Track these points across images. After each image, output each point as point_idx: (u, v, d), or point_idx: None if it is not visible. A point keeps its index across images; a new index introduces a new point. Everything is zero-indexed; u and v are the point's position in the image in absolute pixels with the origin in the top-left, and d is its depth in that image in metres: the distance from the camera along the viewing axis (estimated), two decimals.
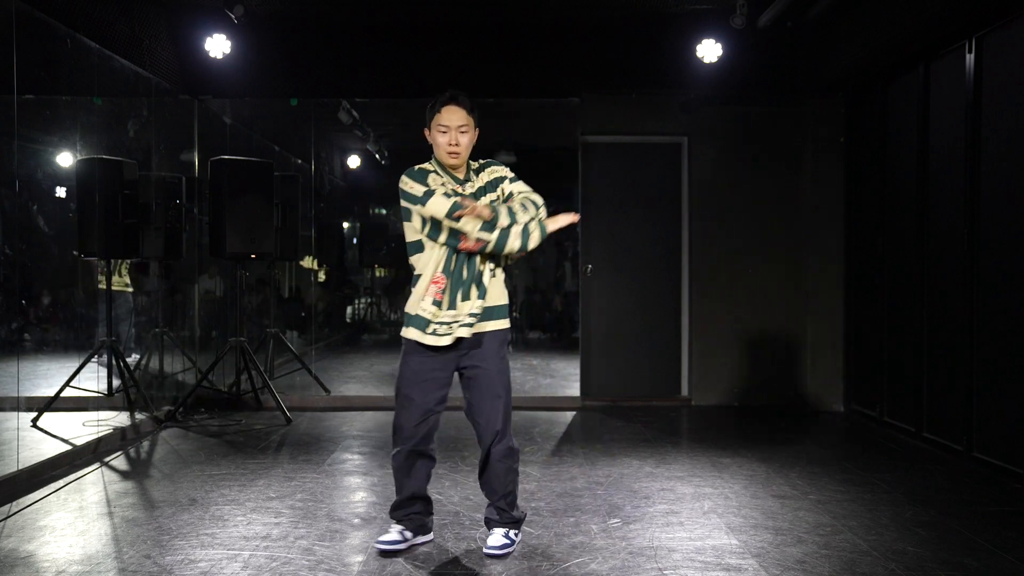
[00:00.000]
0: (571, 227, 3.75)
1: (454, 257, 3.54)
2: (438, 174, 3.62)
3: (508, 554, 3.69)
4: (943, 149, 5.84)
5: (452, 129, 3.56)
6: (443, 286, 3.53)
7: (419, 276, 3.60)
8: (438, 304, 3.53)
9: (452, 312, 3.54)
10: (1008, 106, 5.13)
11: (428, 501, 3.84)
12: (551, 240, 10.81)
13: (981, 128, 5.38)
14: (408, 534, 3.76)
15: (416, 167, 3.64)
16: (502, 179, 3.71)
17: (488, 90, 7.68)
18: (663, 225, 7.81)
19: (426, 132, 3.67)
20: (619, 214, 7.76)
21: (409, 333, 3.60)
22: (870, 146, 6.97)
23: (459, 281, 3.54)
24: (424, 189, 3.51)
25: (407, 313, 3.63)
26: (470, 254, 3.54)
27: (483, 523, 3.92)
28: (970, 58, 5.47)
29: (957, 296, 5.60)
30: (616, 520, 4.23)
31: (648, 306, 7.80)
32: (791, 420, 7.06)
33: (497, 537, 3.73)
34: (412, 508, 3.78)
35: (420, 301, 3.55)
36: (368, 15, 7.29)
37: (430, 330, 3.54)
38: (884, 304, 6.68)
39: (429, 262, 3.57)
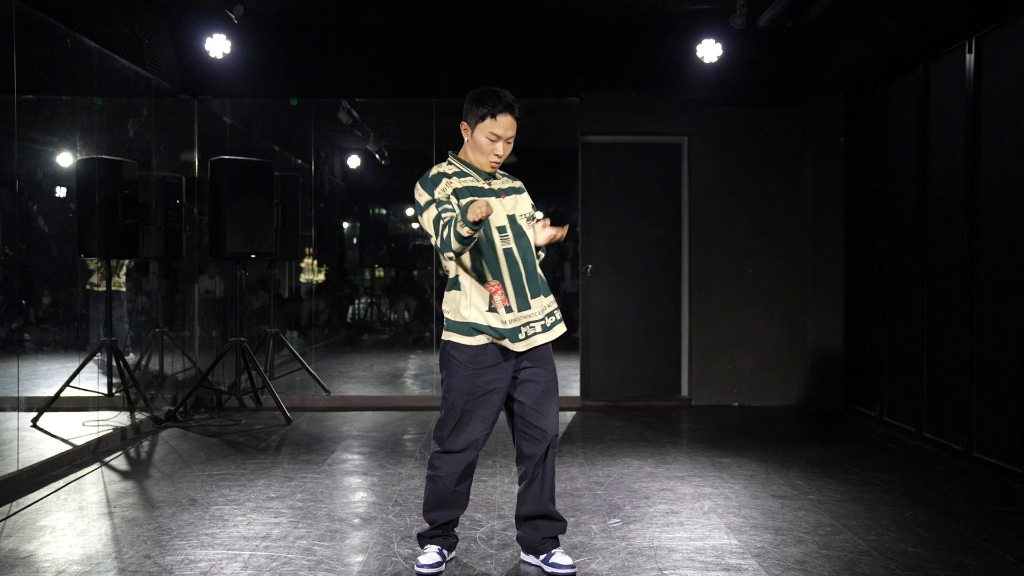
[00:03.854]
0: (571, 227, 3.64)
1: (501, 256, 3.38)
2: (459, 175, 3.43)
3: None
4: (943, 149, 5.84)
5: (502, 139, 3.37)
6: (501, 291, 3.36)
7: (454, 278, 3.43)
8: (508, 309, 3.36)
9: (526, 312, 3.40)
10: (1008, 106, 5.13)
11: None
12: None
13: (981, 128, 5.38)
14: (445, 552, 3.57)
15: (431, 173, 3.44)
16: (522, 191, 3.57)
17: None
18: (663, 225, 7.81)
19: (465, 126, 3.42)
20: (619, 214, 7.76)
21: (478, 339, 3.37)
22: (870, 146, 6.97)
23: (518, 279, 3.40)
24: (427, 199, 3.37)
25: (456, 321, 3.40)
26: (513, 249, 3.40)
27: (520, 541, 3.62)
28: (970, 58, 5.47)
29: (957, 296, 5.60)
30: (616, 520, 4.23)
31: (648, 306, 7.80)
32: (791, 420, 7.06)
33: (565, 556, 3.51)
34: (450, 526, 3.60)
35: (484, 310, 3.36)
36: (368, 15, 7.29)
37: (521, 335, 3.37)
38: (884, 304, 6.68)
39: (468, 267, 3.39)
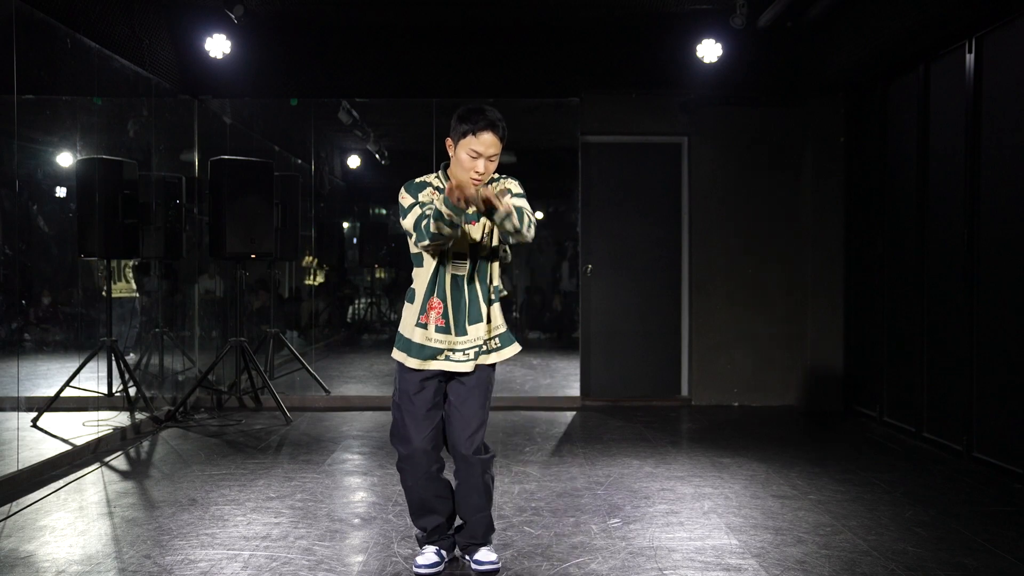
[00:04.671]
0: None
1: (447, 278, 3.40)
2: (438, 189, 3.41)
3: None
4: (943, 149, 5.84)
5: (483, 157, 3.34)
6: (441, 310, 3.40)
7: (412, 289, 3.47)
8: (442, 330, 3.39)
9: (463, 338, 3.41)
10: (1008, 106, 5.13)
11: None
12: (551, 240, 10.85)
13: (981, 128, 5.38)
14: (444, 553, 3.57)
15: (417, 180, 3.45)
16: (508, 192, 3.49)
17: (488, 90, 7.69)
18: (663, 225, 7.81)
19: (449, 142, 3.41)
20: (619, 214, 7.76)
21: (406, 360, 3.42)
22: (870, 146, 6.97)
23: (459, 304, 3.41)
24: (410, 202, 3.37)
25: (401, 334, 3.46)
26: (461, 276, 3.41)
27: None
28: (970, 58, 5.47)
29: (957, 296, 5.60)
30: (616, 520, 4.23)
31: (648, 306, 7.80)
32: (791, 420, 7.06)
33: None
34: (445, 529, 3.61)
35: (416, 326, 3.40)
36: (368, 15, 7.29)
37: (442, 356, 3.40)
38: (884, 304, 6.68)
39: (424, 278, 3.43)
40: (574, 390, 7.75)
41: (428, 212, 3.23)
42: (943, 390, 5.79)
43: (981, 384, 5.35)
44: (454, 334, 3.41)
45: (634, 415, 7.14)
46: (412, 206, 3.37)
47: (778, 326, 7.68)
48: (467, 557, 3.58)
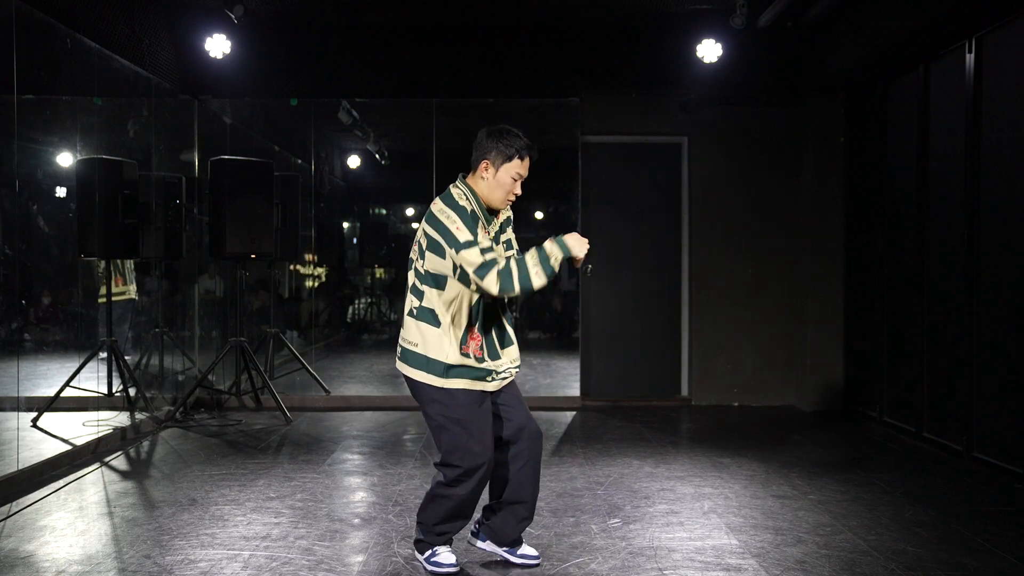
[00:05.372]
0: (571, 227, 3.68)
1: (481, 309, 3.45)
2: (481, 216, 3.43)
3: None
4: (943, 149, 5.84)
5: (521, 179, 3.46)
6: (480, 343, 3.45)
7: (429, 309, 3.41)
8: (480, 360, 3.44)
9: (498, 362, 3.49)
10: (1008, 106, 5.13)
11: None
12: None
13: (981, 128, 5.38)
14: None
15: (462, 204, 3.38)
16: (510, 221, 3.63)
17: (488, 90, 7.69)
18: (663, 225, 7.80)
19: (487, 164, 3.43)
20: (619, 214, 7.76)
21: (471, 385, 3.43)
22: (870, 146, 6.97)
23: (489, 333, 3.49)
24: (467, 237, 3.30)
25: (427, 357, 3.41)
26: (495, 306, 3.49)
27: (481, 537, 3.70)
28: (970, 58, 5.47)
29: (957, 296, 5.60)
30: (616, 520, 4.23)
31: (648, 306, 7.80)
32: (791, 420, 7.06)
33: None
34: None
35: (461, 355, 3.41)
36: (368, 15, 7.29)
37: (489, 379, 3.47)
38: (884, 304, 6.68)
39: (452, 306, 3.40)
40: (574, 390, 7.75)
41: (523, 264, 3.30)
42: (943, 390, 5.79)
43: (981, 384, 5.35)
44: (490, 360, 3.46)
45: (634, 415, 7.14)
46: (471, 244, 3.30)
47: (778, 326, 7.68)
48: (504, 550, 3.62)
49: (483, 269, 3.28)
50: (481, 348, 3.45)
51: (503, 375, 3.50)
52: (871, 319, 6.92)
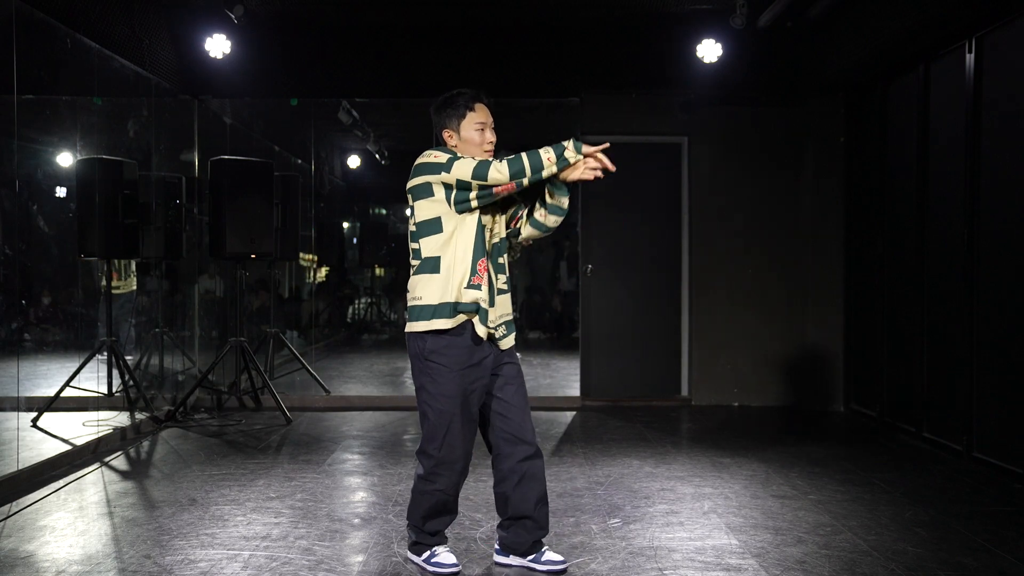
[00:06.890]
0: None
1: (481, 241, 3.35)
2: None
3: None
4: (943, 149, 5.84)
5: (487, 126, 3.46)
6: (485, 277, 3.35)
7: (429, 259, 3.35)
8: (488, 292, 3.35)
9: (492, 309, 3.38)
10: (1008, 106, 5.13)
11: None
12: (550, 240, 10.84)
13: (981, 128, 5.38)
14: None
15: (436, 150, 3.43)
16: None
17: (488, 90, 7.64)
18: (663, 225, 7.80)
19: (449, 133, 3.45)
20: (619, 214, 7.75)
21: (458, 319, 3.31)
22: (870, 146, 6.97)
23: (492, 273, 3.40)
24: (448, 156, 3.32)
25: (432, 305, 3.32)
26: (494, 244, 3.42)
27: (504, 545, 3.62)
28: (970, 58, 5.47)
29: (957, 296, 5.60)
30: (616, 520, 4.23)
31: (648, 306, 7.80)
32: (791, 420, 7.06)
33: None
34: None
35: (467, 288, 3.30)
36: (368, 15, 7.29)
37: (491, 324, 3.38)
38: (884, 304, 6.68)
39: (451, 244, 3.33)
40: (574, 390, 7.75)
41: (507, 158, 3.25)
42: (943, 390, 5.79)
43: (981, 384, 5.35)
44: (490, 308, 3.39)
45: (634, 415, 7.14)
46: (458, 158, 3.32)
47: (778, 326, 7.68)
48: (529, 560, 3.53)
49: (482, 166, 3.27)
50: (487, 283, 3.35)
51: (499, 325, 3.44)
52: (871, 319, 6.92)
